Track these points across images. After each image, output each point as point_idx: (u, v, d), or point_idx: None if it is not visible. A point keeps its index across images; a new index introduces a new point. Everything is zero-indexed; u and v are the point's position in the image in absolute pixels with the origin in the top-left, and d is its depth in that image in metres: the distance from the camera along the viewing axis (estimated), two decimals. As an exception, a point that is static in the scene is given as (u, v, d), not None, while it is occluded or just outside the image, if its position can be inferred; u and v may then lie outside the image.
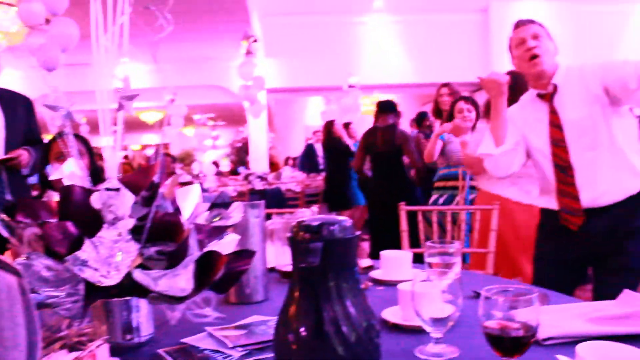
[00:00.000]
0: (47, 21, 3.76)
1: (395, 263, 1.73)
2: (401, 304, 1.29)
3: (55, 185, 1.13)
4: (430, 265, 1.43)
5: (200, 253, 1.10)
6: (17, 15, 4.00)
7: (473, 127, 3.46)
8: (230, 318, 1.31)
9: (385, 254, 1.76)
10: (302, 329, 0.87)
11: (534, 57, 2.05)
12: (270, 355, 0.98)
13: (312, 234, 0.89)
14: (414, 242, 2.79)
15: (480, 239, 2.79)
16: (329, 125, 6.84)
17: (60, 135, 1.19)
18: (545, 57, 2.06)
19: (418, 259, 1.79)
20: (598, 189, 2.02)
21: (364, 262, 1.90)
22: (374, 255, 3.22)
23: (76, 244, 1.03)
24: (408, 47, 9.39)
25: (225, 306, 1.50)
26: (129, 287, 1.04)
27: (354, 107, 8.53)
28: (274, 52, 9.19)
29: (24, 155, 2.76)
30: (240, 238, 1.32)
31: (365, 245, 5.56)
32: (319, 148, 9.25)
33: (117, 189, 1.08)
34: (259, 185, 7.33)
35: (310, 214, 1.99)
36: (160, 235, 1.10)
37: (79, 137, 2.70)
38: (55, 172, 1.16)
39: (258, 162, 9.49)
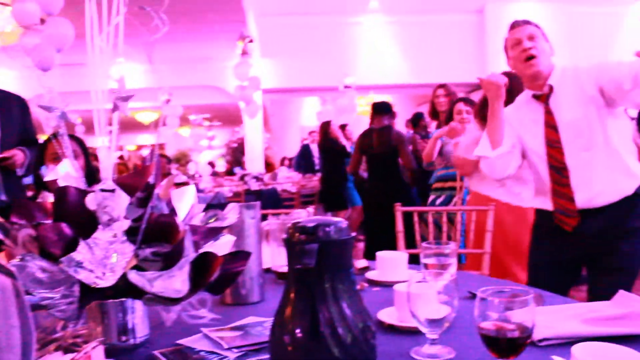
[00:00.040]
0: (42, 21, 3.75)
1: (391, 264, 1.73)
2: (397, 305, 1.29)
3: (50, 186, 1.12)
4: (426, 266, 1.43)
5: (196, 254, 1.09)
6: (11, 15, 3.99)
7: None
8: (226, 319, 1.31)
9: (381, 254, 1.76)
10: (297, 330, 0.87)
11: (530, 58, 2.06)
12: (266, 356, 0.98)
13: (307, 236, 0.89)
14: (410, 243, 2.79)
15: (476, 239, 2.79)
16: (325, 126, 6.84)
17: (54, 136, 1.19)
18: (541, 58, 2.06)
19: (414, 260, 1.79)
20: (593, 189, 2.02)
21: (360, 263, 1.90)
22: (370, 255, 3.23)
23: (71, 245, 1.03)
24: (404, 47, 9.40)
25: (221, 307, 1.49)
26: (124, 288, 1.03)
27: (350, 108, 8.55)
28: (270, 53, 9.19)
29: (18, 155, 2.76)
30: (236, 239, 1.32)
31: (361, 246, 5.56)
32: (314, 148, 9.27)
33: (112, 190, 1.07)
34: (254, 186, 7.33)
35: (306, 215, 1.99)
36: (156, 236, 1.10)
37: (74, 138, 2.69)
38: (50, 173, 1.15)
39: (254, 163, 9.48)
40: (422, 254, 1.44)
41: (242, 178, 7.81)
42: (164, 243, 1.10)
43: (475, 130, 3.09)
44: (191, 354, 1.12)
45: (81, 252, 1.01)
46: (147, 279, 1.03)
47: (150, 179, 1.14)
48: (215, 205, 1.28)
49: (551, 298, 1.44)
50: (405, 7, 9.07)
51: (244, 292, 1.53)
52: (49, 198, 1.14)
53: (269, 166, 9.65)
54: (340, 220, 0.93)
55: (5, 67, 8.60)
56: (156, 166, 1.16)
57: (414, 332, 1.15)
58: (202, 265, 1.08)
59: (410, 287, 1.08)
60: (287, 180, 8.13)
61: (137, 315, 1.17)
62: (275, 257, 1.83)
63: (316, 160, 9.28)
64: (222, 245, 1.20)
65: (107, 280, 1.00)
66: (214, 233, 1.21)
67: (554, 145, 2.06)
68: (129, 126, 15.65)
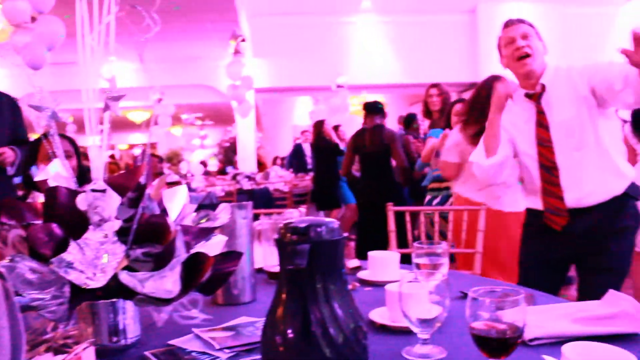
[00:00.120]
0: (33, 19, 3.72)
1: (382, 264, 1.73)
2: (389, 304, 1.29)
3: (41, 186, 1.12)
4: (417, 265, 1.43)
5: (187, 255, 1.09)
6: (2, 13, 3.96)
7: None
8: (217, 319, 1.31)
9: (373, 254, 1.76)
10: (289, 331, 0.87)
11: (523, 56, 2.06)
12: (258, 356, 0.98)
13: (299, 236, 0.89)
14: (402, 243, 2.80)
15: (468, 239, 2.80)
16: (318, 125, 6.84)
17: (45, 136, 1.18)
18: (534, 57, 2.07)
19: (406, 260, 1.79)
20: (583, 189, 2.03)
21: (352, 262, 1.90)
22: (362, 255, 3.23)
23: (61, 246, 1.02)
24: (396, 47, 9.42)
25: (213, 307, 1.49)
26: (115, 289, 1.03)
27: (343, 107, 8.55)
28: (262, 52, 9.18)
29: (8, 153, 2.74)
30: (228, 239, 1.32)
31: (353, 245, 5.57)
32: (307, 148, 9.27)
33: (104, 190, 1.07)
34: (246, 185, 7.31)
35: (298, 215, 1.99)
36: (147, 236, 1.10)
37: (66, 138, 2.68)
38: (40, 173, 1.15)
39: (246, 162, 9.47)
40: (414, 253, 1.45)
41: (234, 177, 7.79)
42: (155, 243, 1.09)
43: (455, 134, 3.13)
44: (183, 355, 1.11)
45: (72, 253, 1.01)
46: (138, 279, 1.02)
47: (142, 179, 1.14)
48: (207, 205, 1.28)
49: (542, 297, 1.45)
50: (398, 7, 9.09)
51: (236, 292, 1.53)
52: (39, 198, 1.14)
53: (261, 165, 9.64)
54: (331, 220, 0.93)
55: (-5, 65, 8.55)
56: (147, 166, 1.16)
57: (405, 332, 1.15)
58: (194, 266, 1.08)
59: (401, 287, 1.08)
60: (280, 179, 8.12)
61: (128, 316, 1.16)
62: (267, 257, 1.83)
63: (308, 160, 9.29)
64: (214, 246, 1.20)
65: (98, 281, 1.00)
66: (206, 233, 1.20)
67: (545, 144, 2.07)
68: (121, 125, 15.59)
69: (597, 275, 2.07)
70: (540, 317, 1.19)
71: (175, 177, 8.26)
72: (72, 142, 2.67)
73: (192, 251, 1.11)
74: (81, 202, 1.06)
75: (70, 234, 1.04)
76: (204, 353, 1.12)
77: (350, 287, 1.00)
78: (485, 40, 8.38)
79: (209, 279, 1.11)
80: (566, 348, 0.91)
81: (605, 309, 1.20)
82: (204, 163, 13.30)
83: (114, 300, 1.13)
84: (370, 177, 4.81)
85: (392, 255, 1.76)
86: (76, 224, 1.05)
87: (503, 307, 0.92)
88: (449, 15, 9.32)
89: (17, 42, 3.66)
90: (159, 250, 1.08)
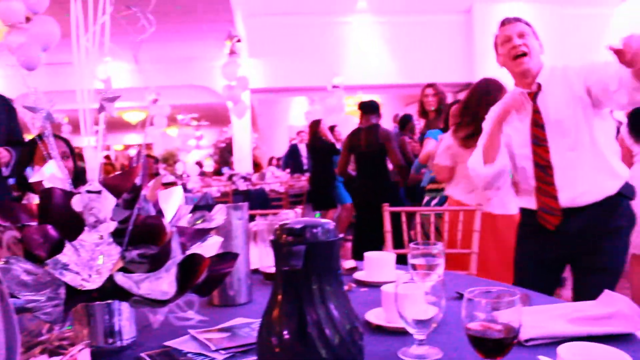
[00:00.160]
0: (28, 19, 3.71)
1: (378, 264, 1.73)
2: (384, 305, 1.29)
3: (36, 187, 1.11)
4: (414, 266, 1.43)
5: (183, 256, 1.09)
6: (-4, 14, 3.94)
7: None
8: (213, 320, 1.31)
9: (368, 255, 1.76)
10: (285, 332, 0.87)
11: (520, 55, 2.07)
12: (254, 358, 0.98)
13: (295, 237, 0.89)
14: (398, 243, 2.80)
15: (463, 239, 2.81)
16: (315, 125, 6.84)
17: (40, 137, 1.17)
18: (531, 56, 2.07)
19: (402, 260, 1.79)
20: (577, 189, 2.04)
21: (348, 263, 1.90)
22: (359, 255, 3.23)
23: (57, 248, 1.02)
24: (392, 47, 9.43)
25: (209, 308, 1.49)
26: (111, 290, 1.03)
27: (338, 108, 8.55)
28: (258, 53, 9.18)
29: (3, 153, 2.73)
30: (224, 240, 1.32)
31: (349, 246, 5.57)
32: (302, 148, 9.27)
33: (99, 192, 1.06)
34: (242, 186, 7.31)
35: (294, 216, 1.99)
36: (143, 238, 1.09)
37: (61, 139, 2.67)
38: (35, 174, 1.14)
39: (242, 163, 9.47)
40: (410, 254, 1.45)
41: (230, 178, 7.78)
42: (150, 245, 1.09)
43: (447, 137, 3.16)
44: (178, 356, 1.11)
45: (67, 254, 1.01)
46: (134, 281, 1.02)
47: (137, 180, 1.13)
48: (202, 206, 1.28)
49: (538, 298, 1.45)
50: (394, 7, 9.10)
51: (232, 293, 1.53)
52: (34, 199, 1.13)
53: (257, 166, 9.64)
54: (327, 221, 0.93)
55: (-11, 66, 8.51)
56: (143, 167, 1.16)
57: (401, 333, 1.16)
58: (190, 267, 1.07)
59: (397, 288, 1.08)
60: (276, 180, 8.12)
61: (124, 318, 1.16)
62: (263, 258, 1.83)
63: (304, 160, 9.30)
64: (210, 247, 1.20)
65: (94, 283, 1.00)
66: (201, 234, 1.20)
67: (540, 144, 2.08)
68: (117, 126, 15.57)
69: (592, 275, 2.08)
70: (536, 317, 1.19)
71: (171, 178, 8.25)
72: (66, 143, 2.67)
73: (188, 252, 1.11)
74: (76, 203, 1.06)
75: (66, 235, 1.04)
76: (199, 354, 1.12)
77: (346, 287, 1.00)
78: (481, 40, 8.41)
79: (205, 280, 1.11)
80: (562, 349, 0.92)
81: (600, 309, 1.21)
82: (199, 164, 13.29)
83: (109, 301, 1.13)
84: (365, 176, 4.82)
85: (388, 256, 1.76)
86: (71, 225, 1.05)
87: (499, 308, 0.92)
88: (445, 15, 9.34)
89: (11, 43, 3.64)
90: (154, 252, 1.08)
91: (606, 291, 1.26)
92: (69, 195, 1.07)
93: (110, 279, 1.01)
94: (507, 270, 2.65)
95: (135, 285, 1.01)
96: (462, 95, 6.77)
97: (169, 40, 7.85)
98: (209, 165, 14.48)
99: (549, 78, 2.09)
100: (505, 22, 2.15)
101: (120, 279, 1.01)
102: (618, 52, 1.65)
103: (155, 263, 1.06)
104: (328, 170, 6.68)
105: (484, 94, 2.90)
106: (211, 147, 17.03)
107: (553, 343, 1.06)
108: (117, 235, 1.06)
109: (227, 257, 1.18)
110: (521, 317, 0.93)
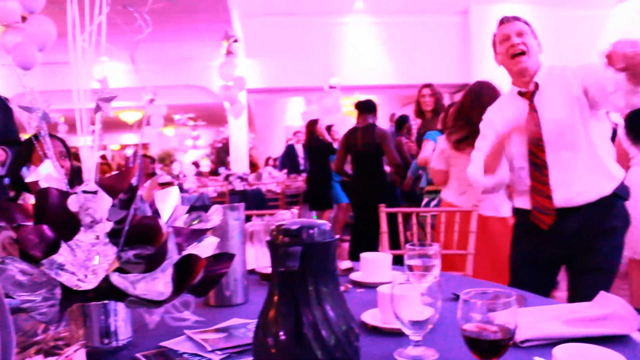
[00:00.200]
0: (24, 19, 3.70)
1: (375, 265, 1.73)
2: (380, 306, 1.29)
3: (32, 187, 1.11)
4: (410, 267, 1.43)
5: (179, 256, 1.09)
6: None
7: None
8: (209, 321, 1.31)
9: (365, 256, 1.77)
10: (281, 333, 0.87)
11: (518, 54, 2.07)
12: (250, 358, 0.97)
13: (291, 238, 0.89)
14: (395, 244, 2.80)
15: (459, 240, 2.81)
16: (312, 125, 6.84)
17: (36, 137, 1.17)
18: (529, 55, 2.07)
19: (398, 261, 1.79)
20: (572, 189, 2.04)
21: (344, 264, 1.90)
22: (356, 254, 3.24)
23: (52, 248, 1.02)
24: (389, 48, 9.44)
25: (205, 309, 1.49)
26: (107, 291, 1.02)
27: (335, 108, 8.56)
28: (255, 53, 9.17)
29: (-1, 153, 2.71)
30: (220, 241, 1.32)
31: (346, 246, 5.57)
32: (299, 149, 9.27)
33: (95, 192, 1.06)
34: (239, 186, 7.31)
35: (290, 216, 1.99)
36: (139, 238, 1.09)
37: (57, 139, 2.66)
38: (31, 174, 1.14)
39: (238, 163, 9.46)
40: (406, 255, 1.45)
41: (226, 178, 7.78)
42: (147, 245, 1.09)
43: (441, 141, 3.17)
44: (174, 356, 1.11)
45: (63, 255, 1.00)
46: (130, 281, 1.02)
47: (134, 181, 1.13)
48: (199, 206, 1.28)
49: (533, 299, 1.46)
50: (390, 8, 9.11)
51: (228, 293, 1.53)
52: (30, 199, 1.13)
53: (253, 166, 9.63)
54: (324, 222, 0.93)
55: (-15, 65, 8.48)
56: (139, 167, 1.15)
57: (397, 334, 1.15)
58: (186, 268, 1.07)
59: (393, 289, 1.08)
60: (272, 180, 8.12)
61: (120, 318, 1.16)
62: (260, 258, 1.83)
63: (301, 161, 9.30)
64: (206, 247, 1.20)
65: (89, 283, 1.00)
66: (198, 235, 1.20)
67: (536, 143, 2.08)
68: (113, 125, 15.54)
69: (587, 275, 2.08)
70: (532, 318, 1.19)
71: (167, 178, 8.24)
72: (63, 142, 2.66)
73: (184, 253, 1.10)
74: (72, 203, 1.06)
75: (62, 235, 1.03)
76: (195, 355, 1.12)
77: (342, 288, 1.00)
78: (478, 41, 8.43)
79: (201, 280, 1.11)
80: (557, 350, 0.92)
81: (596, 310, 1.21)
82: (196, 164, 13.27)
83: (105, 302, 1.13)
84: (362, 176, 4.82)
85: (384, 257, 1.76)
86: (67, 225, 1.04)
87: (495, 309, 0.93)
88: (441, 16, 9.35)
89: (7, 42, 3.63)
90: (150, 252, 1.08)
91: (602, 292, 1.27)
92: (65, 195, 1.07)
93: (106, 279, 1.01)
94: (498, 273, 2.65)
95: (131, 286, 1.01)
96: (458, 96, 6.79)
97: (165, 40, 7.84)
98: (206, 166, 14.47)
99: (546, 77, 2.09)
100: (504, 21, 2.15)
101: (116, 279, 1.01)
102: (608, 57, 1.65)
103: (151, 263, 1.06)
104: (325, 170, 6.69)
105: (477, 97, 2.90)
106: (208, 147, 17.00)
107: (549, 344, 1.06)
108: (113, 236, 1.06)
109: (223, 258, 1.18)
110: (517, 318, 0.93)
